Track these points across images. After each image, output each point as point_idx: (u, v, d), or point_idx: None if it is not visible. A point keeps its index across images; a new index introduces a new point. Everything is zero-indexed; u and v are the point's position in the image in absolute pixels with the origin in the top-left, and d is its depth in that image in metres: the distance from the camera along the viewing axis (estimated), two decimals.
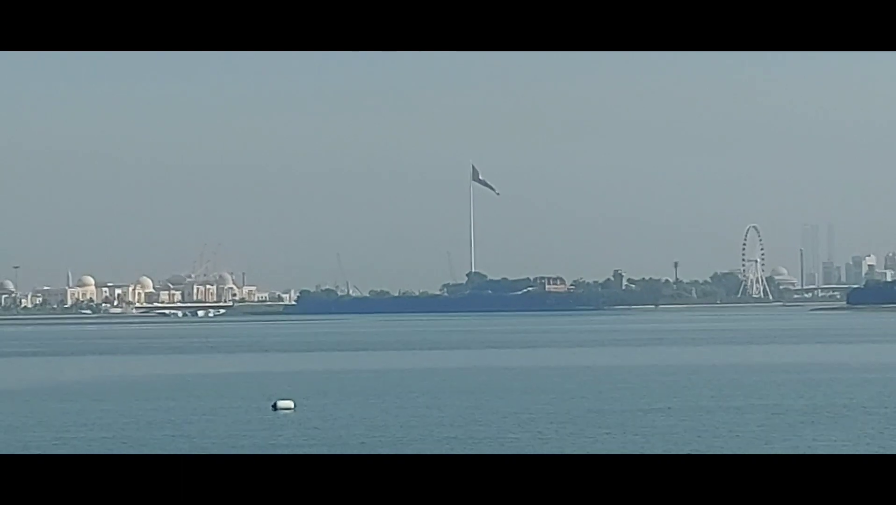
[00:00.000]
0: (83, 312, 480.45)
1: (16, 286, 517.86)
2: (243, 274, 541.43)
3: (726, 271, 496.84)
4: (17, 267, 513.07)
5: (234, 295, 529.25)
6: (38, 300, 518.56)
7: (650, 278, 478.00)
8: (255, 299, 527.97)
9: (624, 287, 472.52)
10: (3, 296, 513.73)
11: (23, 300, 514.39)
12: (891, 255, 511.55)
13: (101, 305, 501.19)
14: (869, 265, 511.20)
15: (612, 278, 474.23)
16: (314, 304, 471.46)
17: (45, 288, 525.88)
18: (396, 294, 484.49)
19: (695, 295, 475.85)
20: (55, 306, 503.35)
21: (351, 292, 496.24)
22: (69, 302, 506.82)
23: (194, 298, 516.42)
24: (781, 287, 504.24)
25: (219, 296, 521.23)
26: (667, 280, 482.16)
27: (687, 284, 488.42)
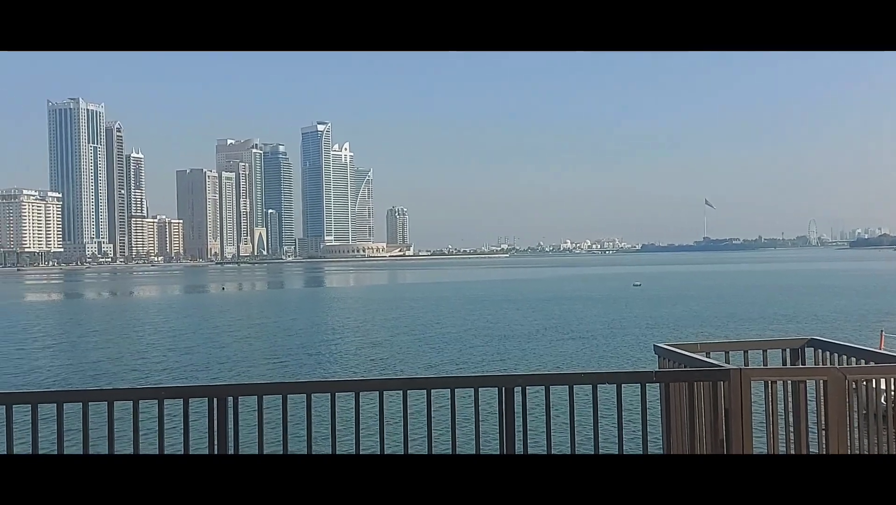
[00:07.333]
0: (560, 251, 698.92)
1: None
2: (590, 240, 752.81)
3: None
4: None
5: (595, 245, 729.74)
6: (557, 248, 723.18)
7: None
8: (596, 248, 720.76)
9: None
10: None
11: (574, 248, 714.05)
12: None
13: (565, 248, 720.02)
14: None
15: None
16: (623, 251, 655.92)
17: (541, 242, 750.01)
18: (664, 245, 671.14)
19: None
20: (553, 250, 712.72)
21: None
22: (561, 248, 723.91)
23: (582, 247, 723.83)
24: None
25: (584, 246, 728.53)
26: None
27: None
